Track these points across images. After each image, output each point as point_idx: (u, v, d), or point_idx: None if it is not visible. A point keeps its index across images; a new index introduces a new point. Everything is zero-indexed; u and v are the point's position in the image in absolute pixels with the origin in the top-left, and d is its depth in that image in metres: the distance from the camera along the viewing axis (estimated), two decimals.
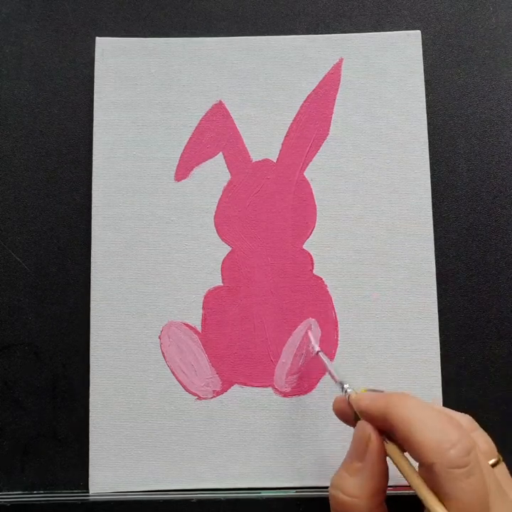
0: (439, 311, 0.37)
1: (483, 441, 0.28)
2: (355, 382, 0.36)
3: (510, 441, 0.36)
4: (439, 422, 0.25)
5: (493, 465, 0.27)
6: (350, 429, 0.29)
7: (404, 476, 0.26)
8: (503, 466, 0.28)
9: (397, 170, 0.38)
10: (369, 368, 0.36)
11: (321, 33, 0.39)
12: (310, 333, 0.36)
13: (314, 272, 0.37)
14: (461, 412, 0.29)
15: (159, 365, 0.36)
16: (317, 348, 0.35)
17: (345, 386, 0.30)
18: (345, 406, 0.30)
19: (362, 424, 0.27)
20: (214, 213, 0.38)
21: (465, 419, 0.29)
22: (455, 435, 0.24)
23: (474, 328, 0.37)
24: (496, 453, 0.28)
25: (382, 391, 0.29)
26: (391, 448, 0.27)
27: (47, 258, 0.38)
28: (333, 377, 0.32)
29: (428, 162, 0.38)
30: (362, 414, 0.28)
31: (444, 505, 0.24)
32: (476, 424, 0.29)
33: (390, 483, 0.34)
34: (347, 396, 0.29)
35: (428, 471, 0.24)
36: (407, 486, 0.27)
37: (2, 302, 0.37)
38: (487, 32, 0.40)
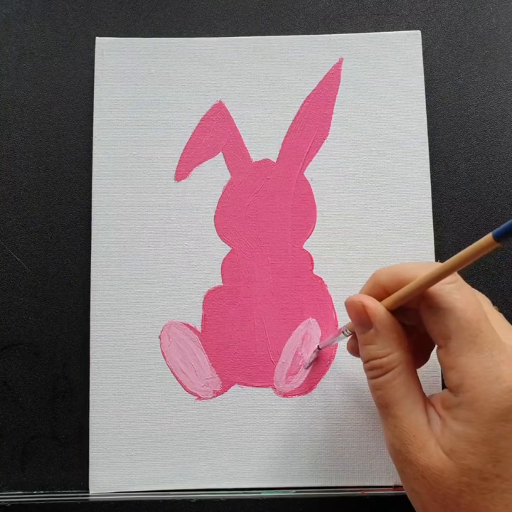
0: None
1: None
2: (355, 382, 0.36)
3: None
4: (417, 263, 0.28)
5: None
6: (350, 429, 0.29)
7: (403, 295, 0.26)
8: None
9: (397, 170, 0.38)
10: None
11: (321, 33, 0.39)
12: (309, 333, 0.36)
13: (314, 271, 0.37)
14: None
15: (159, 365, 0.36)
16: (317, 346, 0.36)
17: (342, 327, 0.31)
18: (353, 339, 0.31)
19: (348, 300, 0.28)
20: (214, 213, 0.38)
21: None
22: (433, 263, 0.27)
23: None
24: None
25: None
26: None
27: (47, 258, 0.38)
28: (335, 336, 0.33)
29: (428, 162, 0.38)
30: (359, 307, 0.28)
31: (447, 324, 0.25)
32: None
33: (389, 484, 0.34)
34: (346, 329, 0.30)
35: (425, 300, 0.26)
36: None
37: (2, 302, 0.37)
38: (487, 32, 0.40)
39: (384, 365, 0.27)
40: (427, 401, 0.27)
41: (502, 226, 0.21)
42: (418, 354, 0.30)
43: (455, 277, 0.26)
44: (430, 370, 0.35)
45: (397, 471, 0.27)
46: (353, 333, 0.30)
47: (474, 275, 0.37)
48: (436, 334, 0.26)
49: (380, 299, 0.28)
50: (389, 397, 0.26)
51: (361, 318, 0.27)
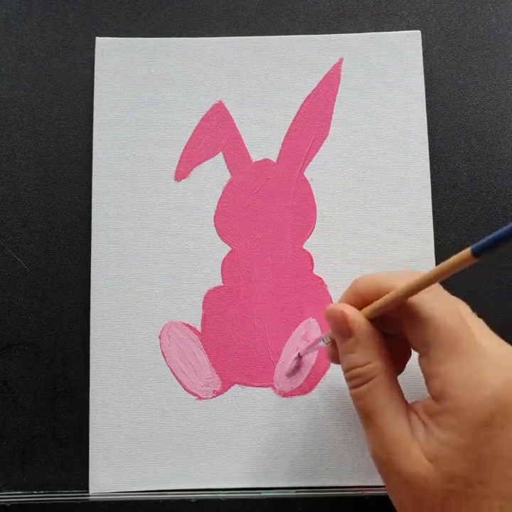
0: None
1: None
2: None
3: None
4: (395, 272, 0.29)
5: None
6: (350, 429, 0.29)
7: (382, 304, 0.26)
8: None
9: (397, 170, 0.38)
10: None
11: (321, 33, 0.39)
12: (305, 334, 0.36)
13: (314, 271, 0.37)
14: None
15: (159, 365, 0.36)
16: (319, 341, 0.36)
17: (323, 335, 0.31)
18: (333, 347, 0.31)
19: (328, 309, 0.28)
20: (214, 213, 0.38)
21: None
22: (411, 272, 0.27)
23: None
24: None
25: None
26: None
27: (47, 258, 0.38)
28: (315, 343, 0.33)
29: (428, 162, 0.38)
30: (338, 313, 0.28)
31: (427, 333, 0.25)
32: None
33: None
34: (327, 336, 0.31)
35: (405, 309, 0.26)
36: None
37: (2, 302, 0.37)
38: (487, 32, 0.40)
39: (364, 373, 0.27)
40: (409, 408, 0.27)
41: (481, 241, 0.21)
42: (397, 361, 0.30)
43: (434, 285, 0.26)
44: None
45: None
46: (333, 341, 0.30)
47: (474, 275, 0.37)
48: (416, 343, 0.26)
49: (359, 307, 0.28)
50: (370, 406, 0.26)
51: (341, 327, 0.27)
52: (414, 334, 0.26)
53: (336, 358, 0.30)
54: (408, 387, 0.28)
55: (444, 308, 0.26)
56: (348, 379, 0.28)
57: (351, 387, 0.28)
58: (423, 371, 0.26)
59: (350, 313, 0.27)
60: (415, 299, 0.26)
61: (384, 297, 0.26)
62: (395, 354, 0.29)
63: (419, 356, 0.26)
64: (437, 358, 0.25)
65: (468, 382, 0.24)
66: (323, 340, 0.31)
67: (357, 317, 0.27)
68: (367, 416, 0.27)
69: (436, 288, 0.26)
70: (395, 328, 0.28)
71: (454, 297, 0.28)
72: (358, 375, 0.27)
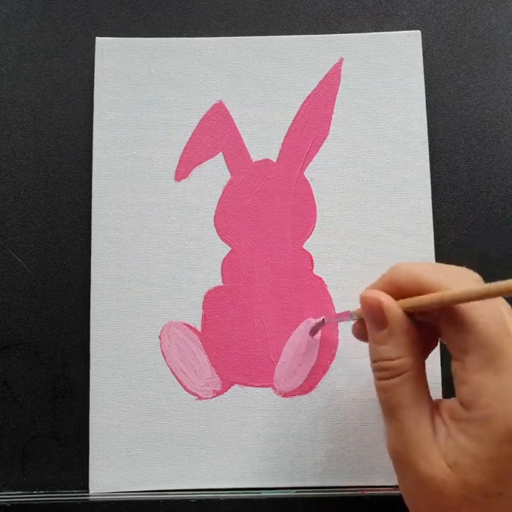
0: None
1: None
2: (355, 382, 0.36)
3: None
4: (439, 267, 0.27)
5: None
6: (350, 429, 0.29)
7: (424, 303, 0.25)
8: None
9: (397, 170, 0.38)
10: (369, 368, 0.36)
11: (321, 33, 0.39)
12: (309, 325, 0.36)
13: (314, 271, 0.37)
14: None
15: (159, 365, 0.36)
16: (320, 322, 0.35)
17: (352, 311, 0.30)
18: (360, 325, 0.30)
19: (363, 294, 0.27)
20: (214, 213, 0.38)
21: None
22: (459, 269, 0.26)
23: None
24: None
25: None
26: (403, 301, 0.26)
27: (47, 258, 0.38)
28: (342, 316, 0.32)
29: (428, 162, 0.38)
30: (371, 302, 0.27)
31: (467, 339, 0.24)
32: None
33: (389, 484, 0.34)
34: (356, 312, 0.29)
35: (448, 312, 0.25)
36: None
37: (2, 302, 0.37)
38: (487, 32, 0.40)
39: (394, 367, 0.26)
40: (434, 409, 0.26)
41: None
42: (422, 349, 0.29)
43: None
44: (430, 370, 0.35)
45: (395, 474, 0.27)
46: (361, 320, 0.29)
47: None
48: (453, 346, 0.25)
49: (395, 296, 0.26)
50: (396, 401, 0.26)
51: (376, 317, 0.26)
52: (452, 336, 0.25)
53: (361, 336, 0.29)
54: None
55: (489, 314, 0.24)
56: (376, 369, 0.27)
57: (378, 379, 0.27)
58: (455, 375, 0.25)
59: (387, 303, 0.26)
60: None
61: (429, 297, 0.25)
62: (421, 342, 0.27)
63: (453, 359, 0.25)
64: (473, 365, 0.24)
65: (503, 395, 0.24)
66: (351, 317, 0.30)
67: (394, 309, 0.26)
68: (390, 410, 0.26)
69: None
70: (429, 318, 0.27)
71: (500, 300, 0.26)
72: (387, 367, 0.26)
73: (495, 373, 0.24)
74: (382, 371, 0.26)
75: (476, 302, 0.24)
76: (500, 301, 0.26)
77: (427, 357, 0.29)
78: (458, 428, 0.25)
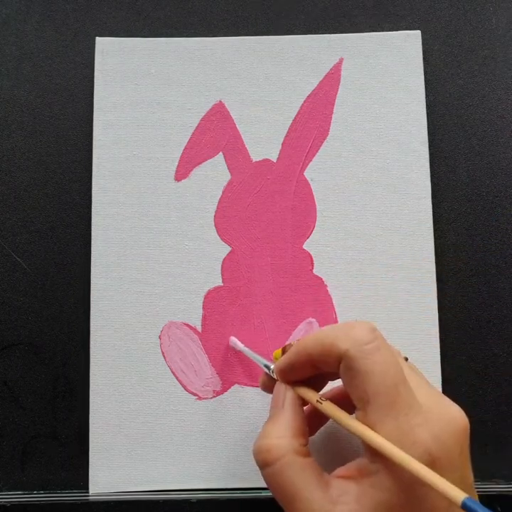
0: (439, 310, 0.37)
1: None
2: None
3: (511, 441, 0.36)
4: (339, 325, 0.28)
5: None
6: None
7: (343, 424, 0.26)
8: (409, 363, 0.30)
9: (397, 170, 0.38)
10: None
11: (321, 33, 0.39)
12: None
13: (314, 271, 0.37)
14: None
15: (159, 365, 0.36)
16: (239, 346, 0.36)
17: (272, 366, 0.30)
18: (269, 381, 0.31)
19: (278, 384, 0.29)
20: (214, 213, 0.38)
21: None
22: (355, 323, 0.27)
23: (474, 328, 0.37)
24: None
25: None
26: (326, 406, 0.27)
27: (47, 258, 0.38)
28: (257, 361, 0.33)
29: (428, 162, 0.38)
30: (284, 371, 0.29)
31: (366, 389, 0.25)
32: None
33: None
34: (271, 372, 0.30)
35: (345, 363, 0.25)
36: None
37: (2, 302, 0.37)
38: (487, 32, 0.40)
39: (273, 448, 0.26)
40: (327, 480, 0.26)
41: (472, 505, 0.21)
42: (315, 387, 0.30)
43: (374, 335, 0.26)
44: (430, 370, 0.35)
45: None
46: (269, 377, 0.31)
47: (474, 275, 0.37)
48: (355, 397, 0.26)
49: (306, 366, 0.28)
50: (288, 487, 0.26)
51: (278, 401, 0.28)
52: (353, 387, 0.26)
53: (269, 388, 0.31)
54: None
55: (384, 362, 0.25)
56: (258, 447, 0.27)
57: (258, 457, 0.27)
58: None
59: (290, 392, 0.28)
60: (355, 351, 0.25)
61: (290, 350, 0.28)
62: (313, 382, 0.29)
63: (356, 409, 0.26)
64: (374, 414, 0.25)
65: (403, 441, 0.24)
66: (270, 370, 0.31)
67: (293, 398, 0.28)
68: (287, 502, 0.26)
69: (377, 338, 0.26)
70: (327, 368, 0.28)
71: (393, 348, 0.27)
72: (267, 447, 0.27)
73: (394, 419, 0.24)
74: (264, 451, 0.27)
75: (373, 352, 0.25)
76: (397, 352, 0.28)
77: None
78: (369, 484, 0.25)
